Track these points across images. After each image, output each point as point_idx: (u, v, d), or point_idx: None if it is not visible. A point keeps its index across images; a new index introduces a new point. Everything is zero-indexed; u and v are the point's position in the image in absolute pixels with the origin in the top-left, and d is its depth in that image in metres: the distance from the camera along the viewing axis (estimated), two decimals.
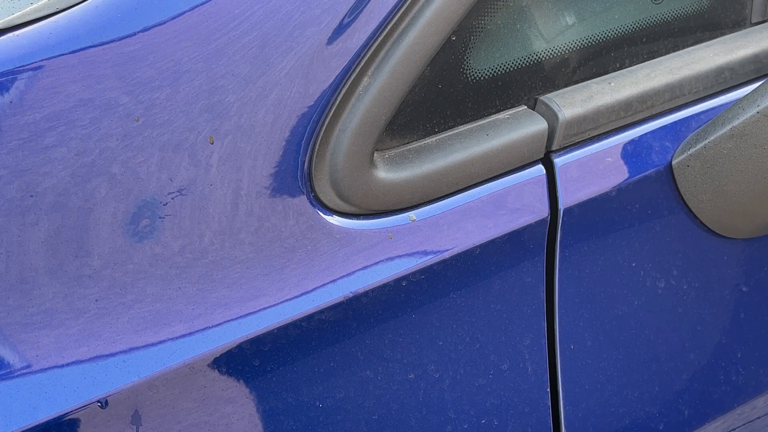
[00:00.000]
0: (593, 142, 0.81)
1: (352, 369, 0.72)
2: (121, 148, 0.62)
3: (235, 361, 0.66)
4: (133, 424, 0.64)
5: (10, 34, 0.61)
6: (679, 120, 0.85)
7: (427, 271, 0.73)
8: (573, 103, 0.79)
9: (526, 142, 0.77)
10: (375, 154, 0.72)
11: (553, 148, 0.79)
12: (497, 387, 0.79)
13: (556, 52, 0.81)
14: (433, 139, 0.76)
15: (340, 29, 0.67)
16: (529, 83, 0.80)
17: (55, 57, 0.60)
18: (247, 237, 0.66)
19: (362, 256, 0.71)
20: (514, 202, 0.77)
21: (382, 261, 0.71)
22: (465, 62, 0.77)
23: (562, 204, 0.78)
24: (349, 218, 0.71)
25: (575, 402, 0.83)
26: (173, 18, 0.63)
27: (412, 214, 0.73)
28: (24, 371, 0.61)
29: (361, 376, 0.72)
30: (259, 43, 0.65)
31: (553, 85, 0.82)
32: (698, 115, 0.86)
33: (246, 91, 0.65)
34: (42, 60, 0.60)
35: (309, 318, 0.68)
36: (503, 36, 0.79)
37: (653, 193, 0.83)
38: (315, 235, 0.69)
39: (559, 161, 0.79)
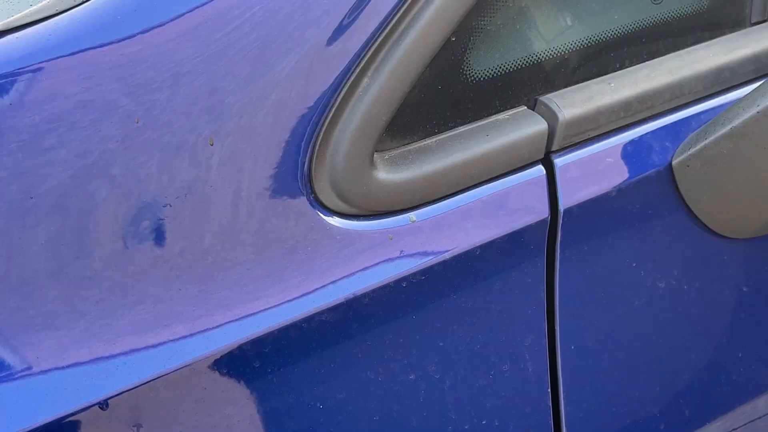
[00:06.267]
0: (593, 143, 0.81)
1: (353, 370, 0.72)
2: (121, 149, 0.62)
3: (236, 363, 0.66)
4: (134, 425, 0.64)
5: (10, 36, 0.61)
6: (679, 120, 0.85)
7: (427, 272, 0.73)
8: (573, 103, 0.79)
9: (526, 143, 0.77)
10: (375, 155, 0.72)
11: (553, 148, 0.79)
12: (498, 388, 0.79)
13: (556, 52, 0.81)
14: (433, 139, 0.76)
15: (340, 30, 0.67)
16: (529, 84, 0.80)
17: (55, 59, 0.60)
18: (247, 238, 0.66)
19: (363, 257, 0.71)
20: (514, 203, 0.77)
21: (383, 262, 0.71)
22: (465, 62, 0.77)
23: (562, 204, 0.78)
24: (350, 219, 0.71)
25: (576, 402, 0.83)
26: (173, 19, 0.63)
27: (412, 215, 0.73)
28: (25, 373, 0.61)
29: (362, 377, 0.72)
30: (259, 45, 0.65)
31: (553, 86, 0.82)
32: (698, 115, 0.86)
33: (246, 93, 0.65)
34: (42, 61, 0.60)
35: (310, 319, 0.68)
36: (503, 36, 0.79)
37: (653, 193, 0.83)
38: (315, 236, 0.69)
39: (559, 162, 0.79)
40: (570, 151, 0.80)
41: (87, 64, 0.61)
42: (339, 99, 0.68)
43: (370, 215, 0.72)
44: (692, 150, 0.82)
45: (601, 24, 0.84)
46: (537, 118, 0.78)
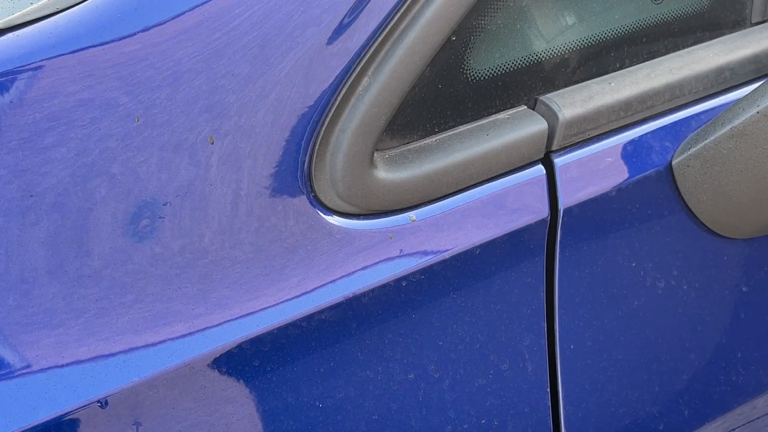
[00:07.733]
0: (593, 142, 0.81)
1: (352, 369, 0.72)
2: (121, 148, 0.62)
3: (235, 361, 0.66)
4: (133, 424, 0.64)
5: (10, 34, 0.61)
6: (679, 120, 0.85)
7: (427, 272, 0.73)
8: (573, 103, 0.79)
9: (526, 142, 0.77)
10: (375, 154, 0.72)
11: (553, 148, 0.79)
12: (497, 387, 0.79)
13: (556, 52, 0.81)
14: (433, 139, 0.76)
15: (340, 29, 0.67)
16: (529, 83, 0.80)
17: (55, 57, 0.60)
18: (247, 237, 0.67)
19: (362, 256, 0.71)
20: (514, 202, 0.77)
21: (382, 261, 0.71)
22: (465, 62, 0.77)
23: (562, 204, 0.78)
24: (349, 218, 0.71)
25: (575, 402, 0.83)
26: (173, 18, 0.63)
27: (412, 215, 0.73)
28: (24, 371, 0.61)
29: (361, 376, 0.72)
30: (259, 43, 0.65)
31: (553, 85, 0.82)
32: (698, 115, 0.86)
33: (246, 91, 0.65)
34: (42, 60, 0.60)
35: (309, 318, 0.68)
36: (503, 36, 0.79)
37: (653, 193, 0.83)
38: (315, 235, 0.69)
39: (559, 161, 0.79)
40: (570, 151, 0.80)
41: (87, 62, 0.61)
42: (339, 98, 0.68)
43: (370, 214, 0.72)
44: (692, 150, 0.82)
45: (602, 24, 0.84)
46: (537, 117, 0.78)
